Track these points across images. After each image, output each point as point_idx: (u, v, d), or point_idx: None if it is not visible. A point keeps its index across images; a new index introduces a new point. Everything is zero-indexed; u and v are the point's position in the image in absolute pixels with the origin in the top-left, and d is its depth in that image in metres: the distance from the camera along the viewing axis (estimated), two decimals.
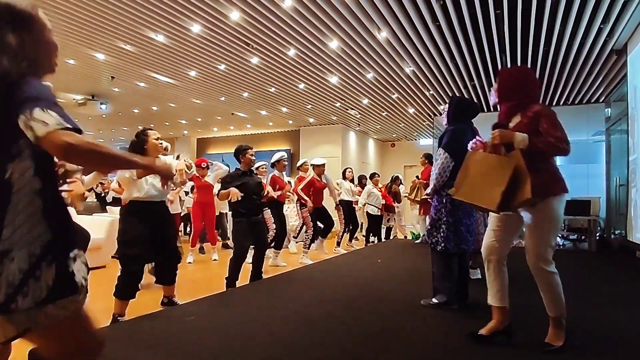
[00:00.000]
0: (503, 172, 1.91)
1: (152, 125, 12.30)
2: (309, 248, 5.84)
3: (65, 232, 0.97)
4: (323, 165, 6.09)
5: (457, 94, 8.00)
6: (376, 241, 7.39)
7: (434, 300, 2.97)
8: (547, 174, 2.01)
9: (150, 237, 2.87)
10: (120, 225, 2.95)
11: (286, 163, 5.49)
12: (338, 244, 6.66)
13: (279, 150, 6.33)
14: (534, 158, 1.94)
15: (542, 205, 2.00)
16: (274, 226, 5.11)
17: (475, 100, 8.42)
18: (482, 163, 2.05)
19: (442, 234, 2.86)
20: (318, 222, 6.13)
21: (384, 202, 7.34)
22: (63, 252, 0.94)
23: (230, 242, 6.93)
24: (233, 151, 3.98)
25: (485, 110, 9.07)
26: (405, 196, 8.09)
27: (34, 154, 0.91)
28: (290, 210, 7.15)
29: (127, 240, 2.84)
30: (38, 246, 0.89)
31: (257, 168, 5.06)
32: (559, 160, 11.65)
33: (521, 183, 1.88)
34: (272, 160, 5.46)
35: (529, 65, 6.26)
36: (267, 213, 5.07)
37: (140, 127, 3.21)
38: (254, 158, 3.96)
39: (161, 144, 3.11)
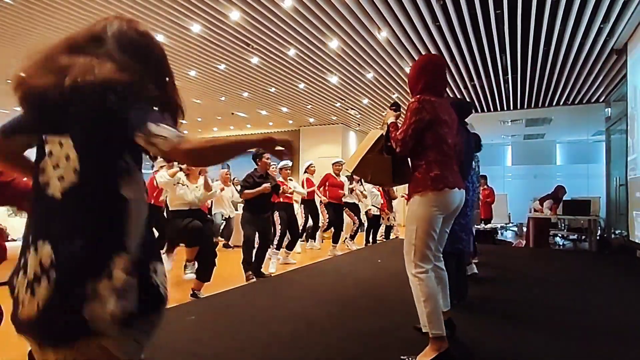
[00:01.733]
0: (368, 142, 2.16)
1: None
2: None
3: None
4: (338, 164, 6.29)
5: (457, 94, 8.00)
6: (371, 241, 7.39)
7: None
8: (418, 173, 2.00)
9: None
10: (168, 228, 3.82)
11: (289, 171, 5.61)
12: (352, 237, 6.76)
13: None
14: (411, 156, 2.05)
15: (409, 205, 2.05)
16: (279, 228, 5.17)
17: (475, 100, 8.42)
18: (369, 138, 2.25)
19: None
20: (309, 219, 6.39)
21: (382, 202, 7.37)
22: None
23: (231, 242, 6.96)
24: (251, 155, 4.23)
25: (486, 110, 9.09)
26: (403, 196, 8.10)
27: (139, 168, 0.94)
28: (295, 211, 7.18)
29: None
30: (150, 260, 0.92)
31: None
32: (561, 160, 11.58)
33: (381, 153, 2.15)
34: (278, 167, 5.56)
35: (528, 66, 6.26)
36: (276, 215, 5.13)
37: None
38: (269, 162, 4.33)
39: None
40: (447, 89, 7.72)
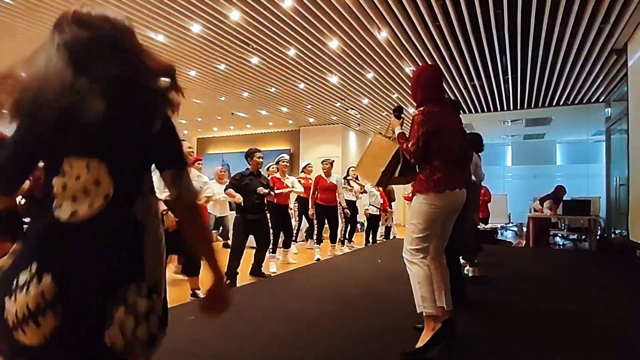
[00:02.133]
0: (386, 154, 2.25)
1: None
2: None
3: None
4: (326, 162, 6.12)
5: (457, 94, 8.00)
6: (371, 241, 7.38)
7: None
8: (422, 175, 2.19)
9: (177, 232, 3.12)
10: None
11: (287, 164, 5.45)
12: (342, 242, 6.68)
13: (280, 150, 6.37)
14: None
15: (413, 202, 2.24)
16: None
17: (476, 100, 8.42)
18: (376, 144, 2.38)
19: None
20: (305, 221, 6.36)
21: (381, 202, 7.36)
22: None
23: (230, 242, 6.95)
24: (237, 151, 4.20)
25: (486, 110, 9.09)
26: (403, 195, 8.11)
27: (152, 192, 0.92)
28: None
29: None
30: (164, 278, 0.92)
31: (267, 169, 5.26)
32: (561, 160, 11.63)
33: (399, 164, 2.28)
34: (275, 161, 5.50)
35: (528, 65, 6.26)
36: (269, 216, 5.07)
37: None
38: (261, 160, 4.32)
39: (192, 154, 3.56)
40: (448, 89, 7.74)
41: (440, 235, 2.25)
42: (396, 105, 2.46)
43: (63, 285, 0.76)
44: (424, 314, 2.05)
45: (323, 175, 5.98)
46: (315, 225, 5.99)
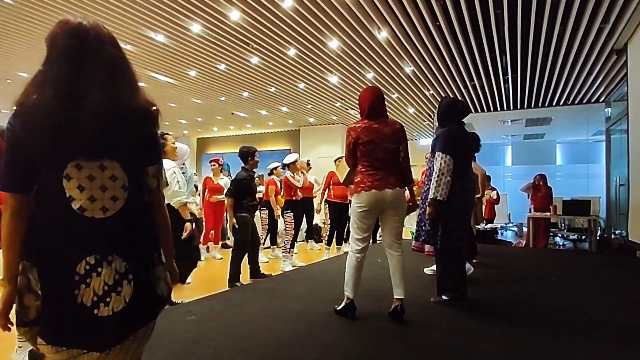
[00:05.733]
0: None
1: None
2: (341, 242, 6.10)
3: None
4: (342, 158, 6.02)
5: (457, 94, 8.00)
6: (371, 242, 7.34)
7: (444, 297, 3.00)
8: (355, 181, 2.68)
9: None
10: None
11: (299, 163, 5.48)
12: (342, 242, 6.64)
13: (280, 150, 6.31)
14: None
15: None
16: (265, 227, 5.39)
17: (475, 100, 8.42)
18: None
19: (438, 232, 2.94)
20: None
21: None
22: None
23: (229, 242, 6.94)
24: (238, 151, 4.24)
25: (486, 110, 9.09)
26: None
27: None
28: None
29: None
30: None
31: (274, 169, 5.24)
32: (561, 160, 11.71)
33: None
34: (288, 162, 5.31)
35: (528, 65, 6.27)
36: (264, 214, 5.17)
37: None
38: (257, 160, 4.29)
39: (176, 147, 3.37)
40: (448, 89, 7.75)
41: (386, 228, 2.70)
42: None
43: (128, 260, 0.97)
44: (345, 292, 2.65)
45: (336, 172, 5.87)
46: (329, 225, 5.75)
